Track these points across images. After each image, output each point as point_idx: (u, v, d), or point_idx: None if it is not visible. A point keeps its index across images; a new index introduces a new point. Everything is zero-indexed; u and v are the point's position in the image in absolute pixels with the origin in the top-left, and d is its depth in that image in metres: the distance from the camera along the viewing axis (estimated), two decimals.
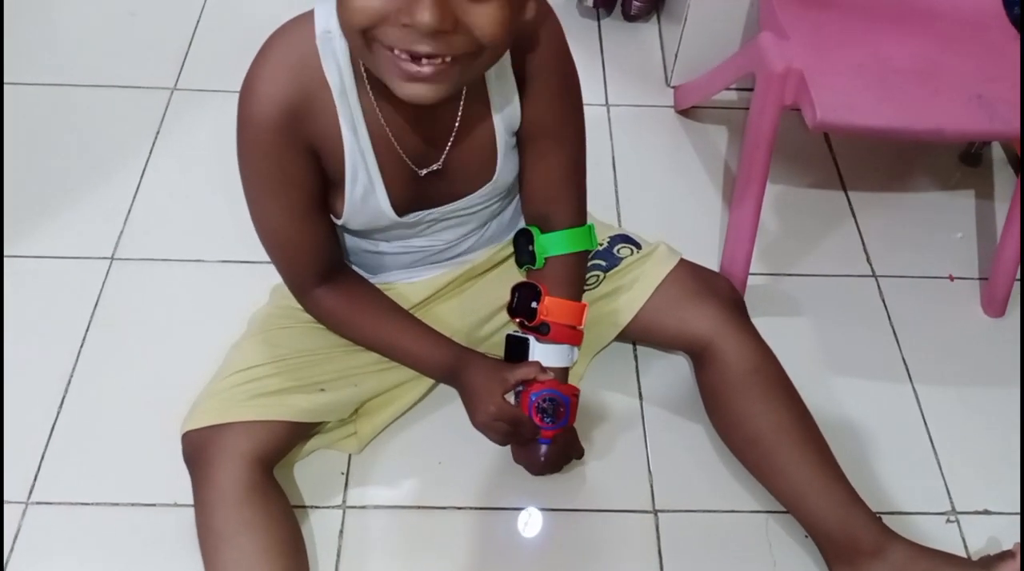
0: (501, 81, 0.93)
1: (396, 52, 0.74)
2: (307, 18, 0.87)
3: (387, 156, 0.92)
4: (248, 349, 1.07)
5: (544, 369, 1.02)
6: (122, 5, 1.75)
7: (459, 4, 0.72)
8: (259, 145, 0.88)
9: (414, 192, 0.97)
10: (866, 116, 1.14)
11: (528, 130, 0.98)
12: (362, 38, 0.76)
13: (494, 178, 0.99)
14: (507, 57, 0.92)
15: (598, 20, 1.78)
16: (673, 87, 1.65)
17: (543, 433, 1.02)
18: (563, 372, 1.06)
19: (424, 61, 0.75)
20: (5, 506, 1.07)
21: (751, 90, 1.28)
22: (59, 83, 1.58)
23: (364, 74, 0.86)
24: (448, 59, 0.75)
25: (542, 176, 1.03)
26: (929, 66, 1.21)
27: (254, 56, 0.87)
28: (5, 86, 1.56)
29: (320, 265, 1.00)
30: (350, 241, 1.07)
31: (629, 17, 1.77)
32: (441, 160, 0.95)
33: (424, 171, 0.95)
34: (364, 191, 0.94)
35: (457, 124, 0.93)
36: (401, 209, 0.97)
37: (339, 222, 0.98)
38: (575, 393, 1.05)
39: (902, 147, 1.59)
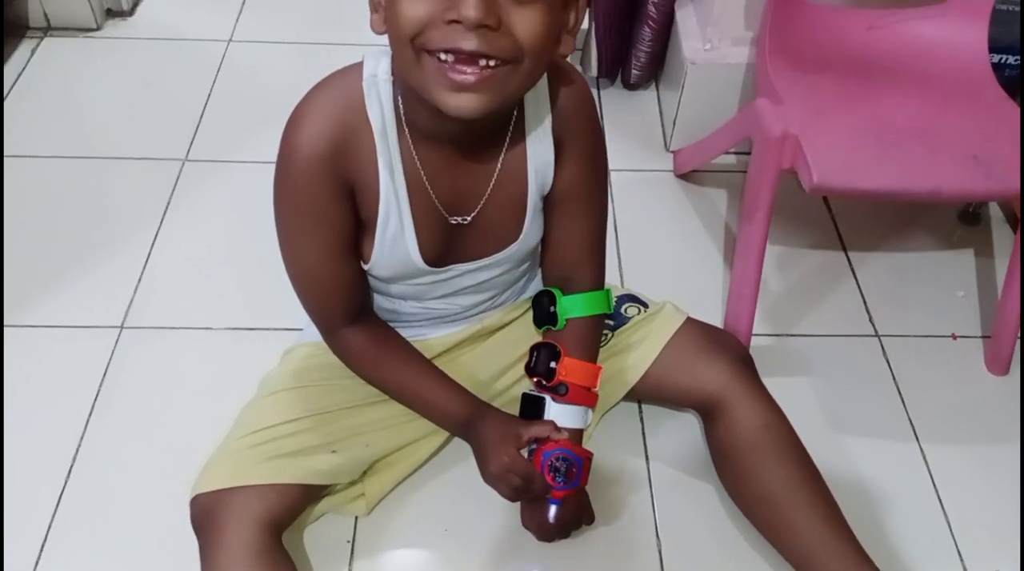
0: (540, 140, 0.96)
1: (443, 59, 0.77)
2: (356, 66, 0.91)
3: (420, 200, 0.94)
4: (261, 410, 1.08)
5: (559, 429, 1.02)
6: (137, 76, 1.80)
7: (504, 4, 0.76)
8: (300, 180, 0.90)
9: (442, 242, 0.99)
10: (863, 179, 1.16)
11: (560, 194, 1.01)
12: (411, 50, 0.79)
13: (520, 237, 1.02)
14: (548, 118, 0.95)
15: (598, 89, 1.82)
16: (672, 152, 1.68)
17: (554, 493, 1.02)
18: (577, 434, 1.07)
19: (468, 69, 0.77)
20: None
21: (749, 153, 1.31)
22: (73, 155, 1.62)
23: (404, 116, 0.90)
24: (492, 63, 0.78)
25: (569, 240, 1.06)
26: (924, 127, 1.24)
27: (303, 98, 0.91)
28: (20, 158, 1.60)
29: (350, 305, 1.02)
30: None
31: (629, 85, 1.81)
32: (475, 211, 0.97)
33: (455, 220, 0.97)
34: (394, 234, 0.95)
35: (495, 178, 0.95)
36: (429, 258, 0.98)
37: (366, 267, 0.99)
38: (588, 456, 1.05)
39: (901, 207, 1.61)
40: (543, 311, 1.09)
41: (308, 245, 0.96)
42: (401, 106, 0.90)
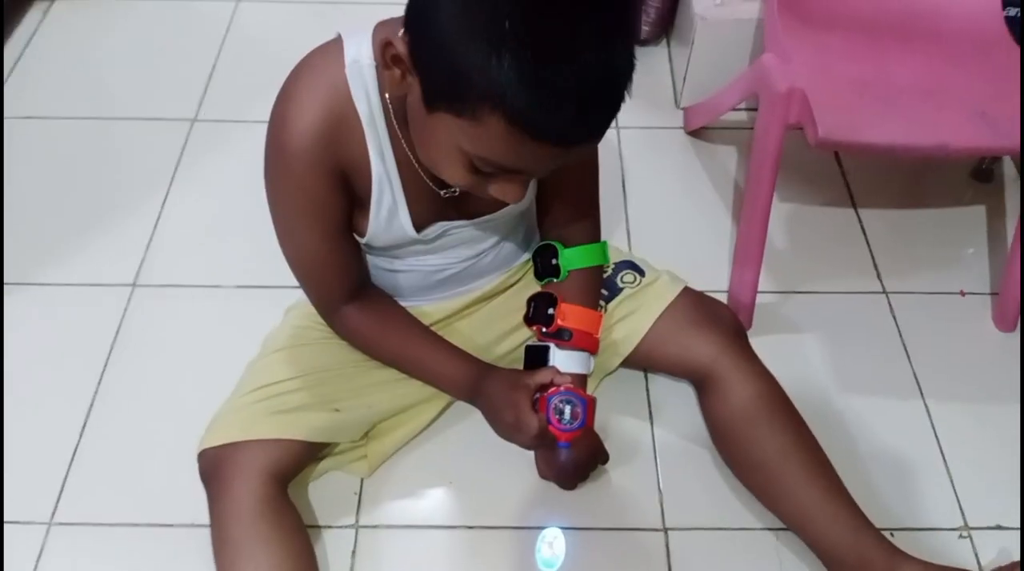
0: None
1: None
2: (335, 48, 0.89)
3: (411, 179, 0.95)
4: (265, 367, 1.09)
5: (561, 374, 1.04)
6: (146, 37, 1.81)
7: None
8: (292, 172, 0.91)
9: (435, 213, 1.00)
10: (868, 133, 1.15)
11: None
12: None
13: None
14: None
15: None
16: (683, 109, 1.67)
17: (561, 436, 1.04)
18: (581, 379, 1.08)
19: None
20: (29, 526, 1.10)
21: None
22: (84, 116, 1.64)
23: (391, 103, 0.90)
24: None
25: (566, 200, 1.08)
26: (933, 84, 1.22)
27: (282, 85, 0.90)
28: (33, 119, 1.62)
29: (348, 284, 1.03)
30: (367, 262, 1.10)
31: (639, 41, 1.80)
32: None
33: (445, 192, 0.97)
34: (389, 211, 0.96)
35: None
36: (420, 227, 1.00)
37: (362, 241, 1.01)
38: (592, 399, 1.06)
39: (913, 165, 1.60)
40: (546, 263, 1.10)
41: (307, 233, 0.97)
42: (387, 94, 0.89)
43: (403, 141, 0.92)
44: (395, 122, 0.91)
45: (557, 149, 0.74)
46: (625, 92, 0.74)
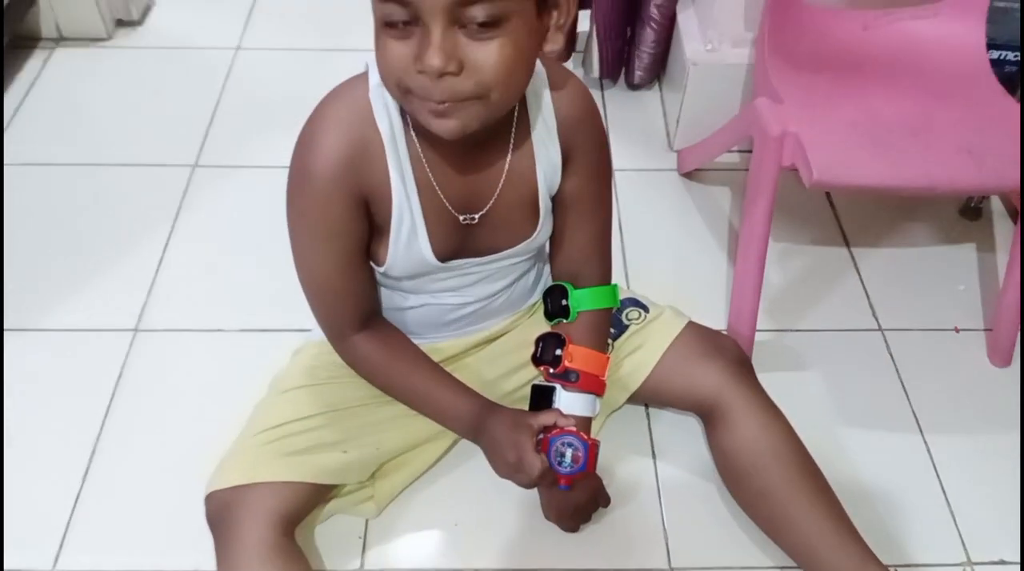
0: (547, 145, 0.99)
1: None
2: (361, 76, 0.93)
3: (431, 202, 0.96)
4: (273, 408, 1.10)
5: (565, 416, 1.04)
6: (147, 84, 1.84)
7: (464, 44, 0.79)
8: (314, 195, 0.93)
9: (455, 240, 1.01)
10: (859, 175, 1.17)
11: (570, 197, 1.04)
12: (398, 90, 0.84)
13: (534, 235, 1.04)
14: (554, 124, 0.98)
15: (602, 90, 1.84)
16: (676, 151, 1.70)
17: (561, 479, 1.04)
18: (585, 422, 1.09)
19: (441, 106, 0.82)
20: None
21: (751, 151, 1.32)
22: (85, 162, 1.65)
23: (411, 120, 0.92)
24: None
25: (578, 239, 1.09)
26: (919, 122, 1.25)
27: (313, 111, 0.93)
28: (34, 166, 1.63)
29: (360, 312, 1.04)
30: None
31: (632, 86, 1.84)
32: (484, 210, 0.99)
33: (464, 219, 0.99)
34: (408, 236, 0.98)
35: (503, 180, 0.98)
36: (442, 255, 1.01)
37: (381, 269, 1.01)
38: (595, 442, 1.07)
39: (902, 202, 1.63)
40: (556, 304, 1.11)
41: (323, 257, 0.98)
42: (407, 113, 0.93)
43: (423, 160, 0.94)
44: (416, 141, 0.93)
45: None
46: None
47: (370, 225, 0.97)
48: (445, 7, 0.76)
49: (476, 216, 0.99)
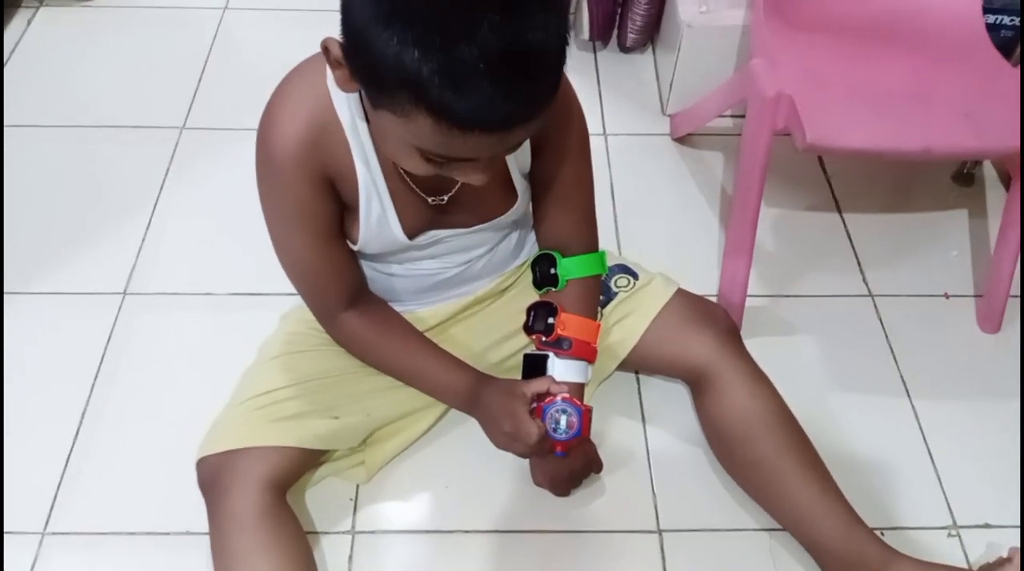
0: None
1: None
2: (320, 57, 0.89)
3: (397, 185, 0.96)
4: (262, 374, 1.10)
5: (558, 383, 1.04)
6: (133, 44, 1.81)
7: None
8: (279, 178, 0.91)
9: (426, 219, 1.00)
10: (855, 138, 1.17)
11: (546, 176, 1.03)
12: (393, 163, 0.87)
13: (510, 212, 1.03)
14: None
15: (594, 52, 1.82)
16: (669, 115, 1.69)
17: (556, 445, 1.04)
18: (578, 388, 1.09)
19: None
20: (23, 536, 1.09)
21: (745, 116, 1.31)
22: (72, 124, 1.63)
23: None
24: None
25: (562, 212, 1.08)
26: (917, 87, 1.24)
27: (271, 94, 0.91)
28: (19, 128, 1.61)
29: (344, 290, 1.03)
30: (363, 267, 1.11)
31: (624, 49, 1.81)
32: (452, 192, 0.98)
33: (433, 200, 0.98)
34: (378, 218, 0.97)
35: None
36: (413, 234, 1.00)
37: (355, 247, 1.01)
38: (588, 408, 1.07)
39: (895, 168, 1.62)
40: (544, 273, 1.11)
41: (297, 237, 0.97)
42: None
43: None
44: None
45: (489, 135, 0.71)
46: (551, 63, 0.70)
47: (341, 204, 0.96)
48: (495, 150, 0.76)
49: (445, 197, 0.98)
